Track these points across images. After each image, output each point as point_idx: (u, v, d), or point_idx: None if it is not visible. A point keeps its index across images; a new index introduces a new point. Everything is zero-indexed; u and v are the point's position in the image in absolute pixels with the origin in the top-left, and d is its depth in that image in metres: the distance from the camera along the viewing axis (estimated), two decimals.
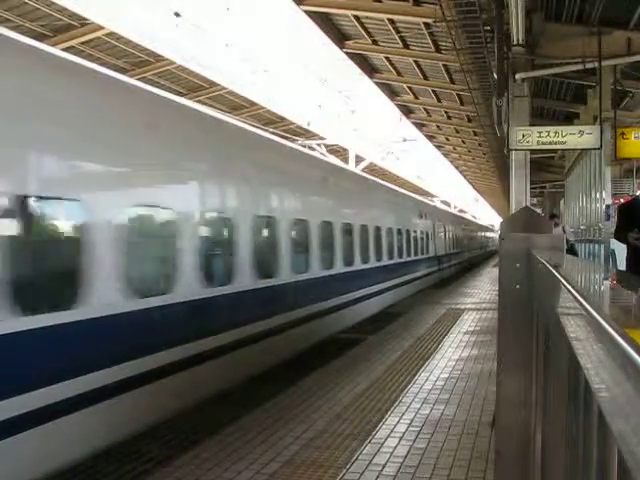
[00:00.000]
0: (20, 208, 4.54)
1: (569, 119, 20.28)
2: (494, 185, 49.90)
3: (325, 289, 10.91)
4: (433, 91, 23.39)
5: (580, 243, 20.01)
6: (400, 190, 22.14)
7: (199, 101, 19.41)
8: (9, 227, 4.49)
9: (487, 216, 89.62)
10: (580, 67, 13.38)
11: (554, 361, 1.95)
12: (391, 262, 15.61)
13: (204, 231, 7.07)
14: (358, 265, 12.76)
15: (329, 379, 7.41)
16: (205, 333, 6.71)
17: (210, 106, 18.79)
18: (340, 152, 30.09)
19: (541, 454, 2.44)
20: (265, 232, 8.83)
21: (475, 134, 29.77)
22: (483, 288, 20.47)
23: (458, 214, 43.76)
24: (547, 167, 31.51)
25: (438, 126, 30.88)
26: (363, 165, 30.36)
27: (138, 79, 15.16)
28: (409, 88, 23.64)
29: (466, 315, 13.19)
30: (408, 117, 28.56)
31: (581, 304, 1.20)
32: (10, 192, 4.45)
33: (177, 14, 17.43)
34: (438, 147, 37.97)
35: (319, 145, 27.31)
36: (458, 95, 22.71)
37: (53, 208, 5.12)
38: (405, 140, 34.05)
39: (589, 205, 20.11)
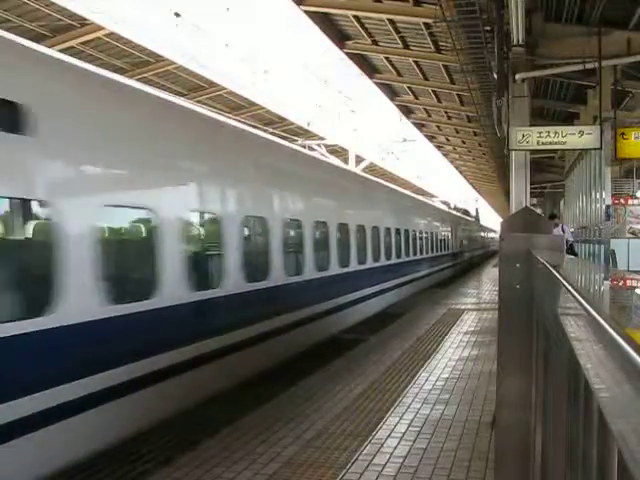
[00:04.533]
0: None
1: (569, 119, 20.28)
2: (494, 185, 49.86)
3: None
4: (433, 91, 23.39)
5: (578, 243, 20.02)
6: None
7: (199, 101, 19.41)
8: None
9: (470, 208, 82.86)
10: (580, 67, 13.37)
11: (554, 361, 1.95)
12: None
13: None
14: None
15: (329, 379, 7.41)
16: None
17: (210, 106, 18.79)
18: (340, 152, 30.09)
19: (541, 454, 2.44)
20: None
21: (475, 134, 29.76)
22: (483, 288, 20.48)
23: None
24: (547, 167, 31.51)
25: (438, 126, 30.87)
26: (363, 165, 30.35)
27: (138, 79, 15.17)
28: (409, 88, 23.64)
29: (466, 315, 13.19)
30: (408, 117, 28.56)
31: (581, 304, 1.20)
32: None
33: (177, 14, 17.45)
34: (438, 147, 37.96)
35: (319, 145, 27.27)
36: (458, 95, 22.71)
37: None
38: (405, 140, 34.05)
39: (589, 205, 20.12)
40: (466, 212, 44.04)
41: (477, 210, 56.08)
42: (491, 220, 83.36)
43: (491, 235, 60.41)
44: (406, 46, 18.11)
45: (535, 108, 18.87)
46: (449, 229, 27.49)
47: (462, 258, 31.90)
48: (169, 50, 18.01)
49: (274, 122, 25.54)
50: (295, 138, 24.88)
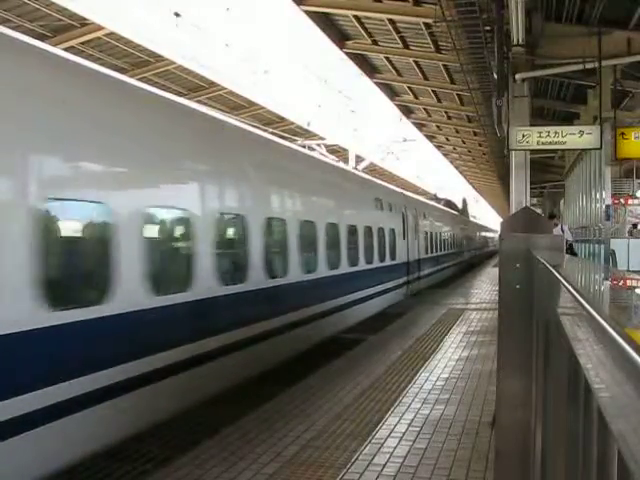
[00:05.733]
0: None
1: (569, 119, 20.29)
2: (494, 185, 49.87)
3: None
4: (433, 91, 23.40)
5: (578, 243, 20.04)
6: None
7: (199, 101, 19.41)
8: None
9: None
10: (580, 67, 13.38)
11: (554, 361, 1.95)
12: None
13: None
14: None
15: (329, 379, 7.41)
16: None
17: (210, 106, 18.79)
18: (340, 152, 30.10)
19: (541, 454, 2.44)
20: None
21: (475, 134, 29.77)
22: (483, 288, 20.48)
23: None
24: (547, 167, 31.52)
25: (438, 126, 30.88)
26: (363, 165, 30.37)
27: (138, 79, 15.17)
28: (409, 88, 23.65)
29: (466, 315, 13.19)
30: (408, 117, 28.57)
31: (581, 304, 1.20)
32: None
33: (177, 14, 17.44)
34: (438, 147, 37.98)
35: (319, 145, 27.28)
36: (458, 95, 22.72)
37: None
38: (405, 140, 34.05)
39: (589, 205, 20.13)
40: (449, 203, 33.32)
41: (464, 201, 42.07)
42: (485, 218, 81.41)
43: (485, 234, 53.41)
44: (406, 46, 18.12)
45: (535, 108, 18.88)
46: (396, 222, 16.07)
47: (429, 269, 20.79)
48: (169, 50, 18.04)
49: (274, 122, 25.56)
50: (295, 138, 24.89)
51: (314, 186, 10.70)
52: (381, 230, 14.17)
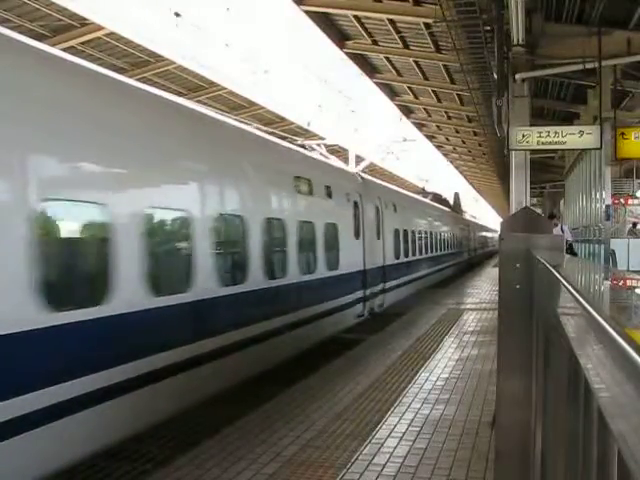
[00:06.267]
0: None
1: (569, 119, 20.29)
2: (494, 185, 49.86)
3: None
4: (433, 91, 23.40)
5: (578, 243, 20.05)
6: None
7: (199, 101, 19.41)
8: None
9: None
10: (580, 67, 13.38)
11: (554, 361, 1.95)
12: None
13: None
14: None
15: (329, 379, 7.41)
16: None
17: (210, 106, 18.79)
18: (340, 152, 30.09)
19: (541, 454, 2.44)
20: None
21: (475, 134, 29.77)
22: (483, 288, 20.48)
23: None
24: (547, 167, 31.52)
25: (438, 126, 30.88)
26: (363, 165, 30.34)
27: (138, 79, 15.17)
28: (409, 88, 23.65)
29: (466, 315, 13.19)
30: (408, 117, 28.56)
31: (581, 304, 1.20)
32: None
33: (177, 14, 17.44)
34: (438, 147, 37.96)
35: (319, 145, 27.25)
36: (458, 95, 22.72)
37: None
38: (405, 140, 34.03)
39: (589, 205, 20.12)
40: (438, 198, 29.82)
41: (457, 195, 38.00)
42: (485, 217, 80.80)
43: (484, 233, 50.85)
44: (406, 46, 18.12)
45: (535, 108, 18.87)
46: (343, 215, 11.68)
47: (401, 277, 16.46)
48: (169, 50, 18.04)
49: (274, 122, 25.56)
50: (295, 138, 24.88)
51: (147, 139, 6.12)
52: (307, 225, 9.71)
